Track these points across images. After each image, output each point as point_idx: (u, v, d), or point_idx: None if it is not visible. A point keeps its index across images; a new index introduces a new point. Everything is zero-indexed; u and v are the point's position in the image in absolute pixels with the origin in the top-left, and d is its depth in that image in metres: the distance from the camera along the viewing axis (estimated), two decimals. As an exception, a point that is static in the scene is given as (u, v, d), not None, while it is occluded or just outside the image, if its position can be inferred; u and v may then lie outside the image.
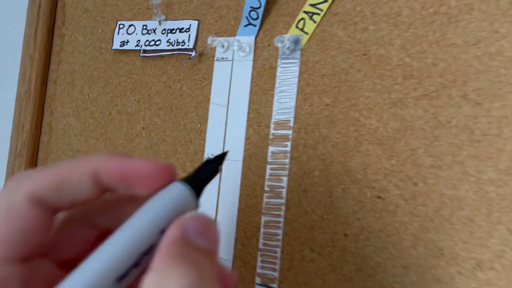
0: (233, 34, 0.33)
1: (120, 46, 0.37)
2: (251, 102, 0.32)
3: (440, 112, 0.26)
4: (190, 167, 0.33)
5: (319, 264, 0.28)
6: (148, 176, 0.18)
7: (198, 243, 0.17)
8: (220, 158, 0.21)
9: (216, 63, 0.33)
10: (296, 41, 0.31)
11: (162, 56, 0.35)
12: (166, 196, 0.18)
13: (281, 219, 0.30)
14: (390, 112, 0.27)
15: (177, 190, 0.18)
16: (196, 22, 0.34)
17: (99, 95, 0.38)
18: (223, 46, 0.32)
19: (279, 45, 0.30)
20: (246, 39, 0.32)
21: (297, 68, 0.30)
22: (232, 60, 0.32)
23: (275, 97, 0.31)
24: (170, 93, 0.35)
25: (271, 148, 0.30)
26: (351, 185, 0.28)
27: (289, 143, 0.30)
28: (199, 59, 0.34)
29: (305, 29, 0.31)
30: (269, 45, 0.32)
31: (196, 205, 0.19)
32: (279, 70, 0.31)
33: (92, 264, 0.16)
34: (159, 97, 0.35)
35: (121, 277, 0.16)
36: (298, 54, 0.30)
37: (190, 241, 0.17)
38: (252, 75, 0.32)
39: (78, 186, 0.18)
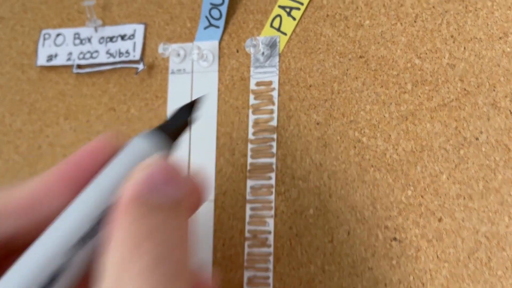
0: (190, 39, 0.27)
1: (47, 61, 0.30)
2: (220, 124, 0.26)
3: (465, 125, 0.21)
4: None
5: (324, 331, 0.23)
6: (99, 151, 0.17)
7: (160, 201, 0.15)
8: (191, 105, 0.19)
9: (171, 77, 0.27)
10: (272, 44, 0.24)
11: (101, 71, 0.29)
12: (122, 155, 0.17)
13: (270, 274, 0.24)
14: (400, 129, 0.22)
15: (134, 145, 0.17)
16: (142, 26, 0.28)
17: (25, 125, 0.31)
18: (178, 55, 0.26)
19: (251, 50, 0.24)
20: (207, 44, 0.26)
21: (276, 79, 0.24)
22: (192, 72, 0.26)
23: (251, 117, 0.25)
24: (115, 118, 0.29)
25: (250, 182, 0.24)
26: (357, 225, 0.22)
27: (273, 175, 0.24)
28: (149, 73, 0.28)
29: (282, 29, 0.24)
30: (237, 51, 0.26)
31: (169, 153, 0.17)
32: (252, 81, 0.25)
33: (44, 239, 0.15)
34: (101, 123, 0.29)
35: (73, 251, 0.15)
36: (276, 60, 0.24)
37: (148, 201, 0.15)
38: (219, 90, 0.26)
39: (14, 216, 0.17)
